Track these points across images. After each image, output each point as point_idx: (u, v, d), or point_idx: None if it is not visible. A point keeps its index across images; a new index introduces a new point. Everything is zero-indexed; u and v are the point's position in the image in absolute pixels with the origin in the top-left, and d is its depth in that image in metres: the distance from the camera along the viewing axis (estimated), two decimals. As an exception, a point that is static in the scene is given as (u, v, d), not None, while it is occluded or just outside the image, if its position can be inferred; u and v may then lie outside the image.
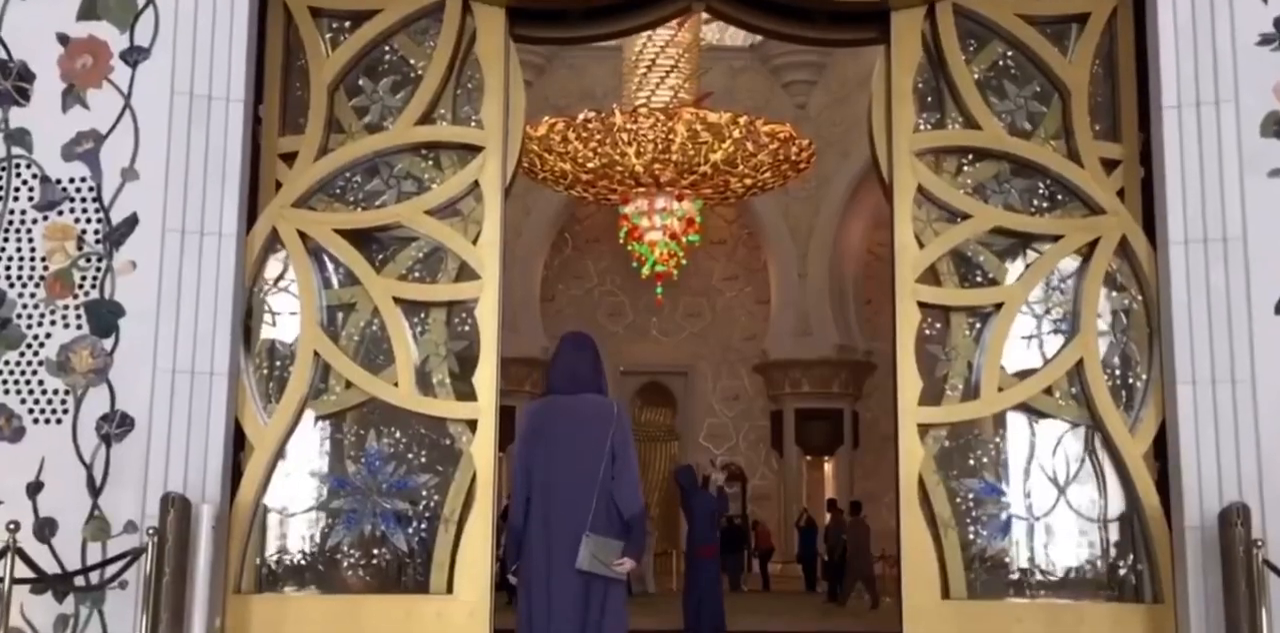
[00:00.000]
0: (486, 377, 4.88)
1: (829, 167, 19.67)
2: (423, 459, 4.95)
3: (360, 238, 5.03)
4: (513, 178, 5.14)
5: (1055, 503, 4.93)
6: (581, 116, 13.48)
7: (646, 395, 23.19)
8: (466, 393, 4.91)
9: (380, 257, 5.06)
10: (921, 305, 4.93)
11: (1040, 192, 5.08)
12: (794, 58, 21.31)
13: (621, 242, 14.61)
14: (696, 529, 10.47)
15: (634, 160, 13.36)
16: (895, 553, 4.85)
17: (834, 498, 18.51)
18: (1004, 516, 4.92)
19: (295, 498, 4.94)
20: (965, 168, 5.13)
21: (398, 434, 4.97)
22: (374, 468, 4.93)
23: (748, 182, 14.08)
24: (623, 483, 4.36)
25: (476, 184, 5.02)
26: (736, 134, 13.39)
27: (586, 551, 4.27)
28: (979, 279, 5.07)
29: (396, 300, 4.95)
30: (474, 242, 4.99)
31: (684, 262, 14.47)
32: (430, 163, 5.13)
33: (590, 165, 13.50)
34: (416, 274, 5.06)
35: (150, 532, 4.28)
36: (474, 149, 5.05)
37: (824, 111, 21.02)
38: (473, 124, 5.12)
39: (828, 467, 21.91)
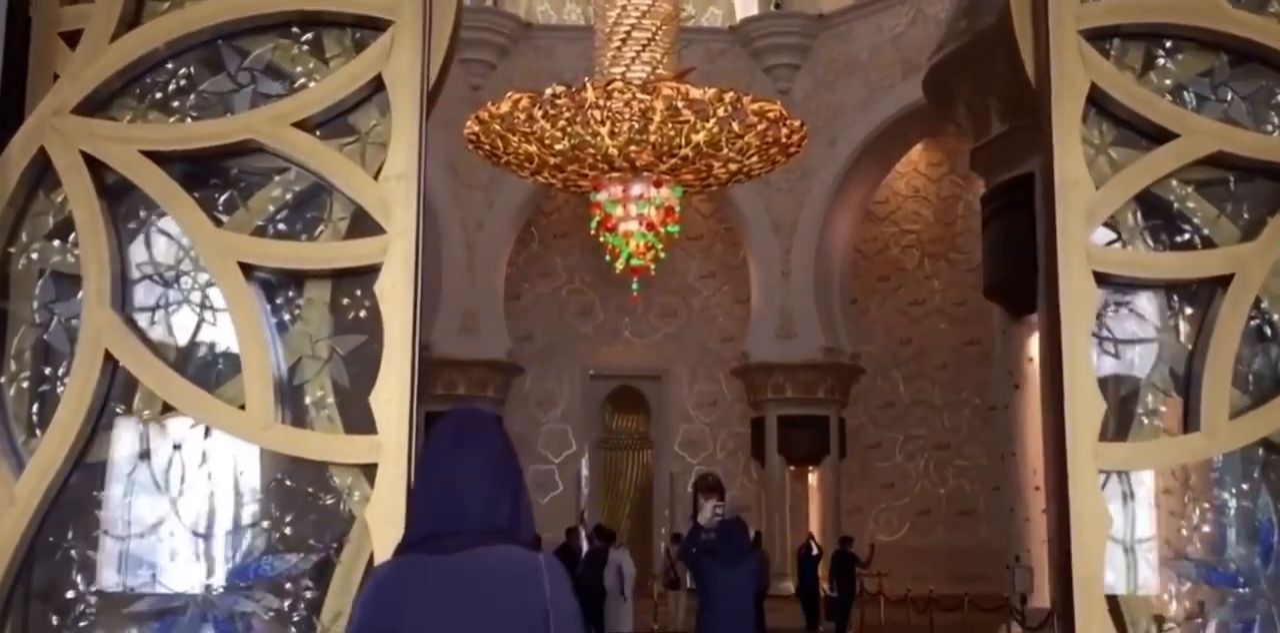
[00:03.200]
0: (394, 395, 2.93)
1: (815, 156, 18.59)
2: (287, 530, 3.00)
3: (190, 168, 3.09)
4: (440, 77, 3.20)
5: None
6: (549, 91, 12.06)
7: (618, 401, 21.99)
8: (360, 422, 2.98)
9: (223, 198, 3.10)
10: (1099, 279, 3.04)
11: (1277, 100, 3.23)
12: (776, 40, 20.85)
13: (593, 233, 13.28)
14: (736, 610, 6.69)
15: (607, 141, 11.99)
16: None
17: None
18: (1242, 617, 3.04)
19: (74, 595, 2.98)
20: (1158, 62, 3.24)
21: (249, 489, 3.04)
22: (210, 545, 3.00)
23: (732, 167, 12.76)
24: None
25: (379, 82, 3.08)
26: (721, 112, 12.08)
27: None
28: (1177, 238, 3.20)
29: (245, 269, 3.02)
30: (375, 175, 3.05)
31: (662, 255, 13.22)
32: (305, 48, 3.17)
33: (559, 147, 12.15)
34: (281, 227, 3.11)
35: None
36: (376, 25, 3.11)
37: (808, 97, 20.07)
38: (374, -14, 3.21)
39: (812, 477, 20.76)
